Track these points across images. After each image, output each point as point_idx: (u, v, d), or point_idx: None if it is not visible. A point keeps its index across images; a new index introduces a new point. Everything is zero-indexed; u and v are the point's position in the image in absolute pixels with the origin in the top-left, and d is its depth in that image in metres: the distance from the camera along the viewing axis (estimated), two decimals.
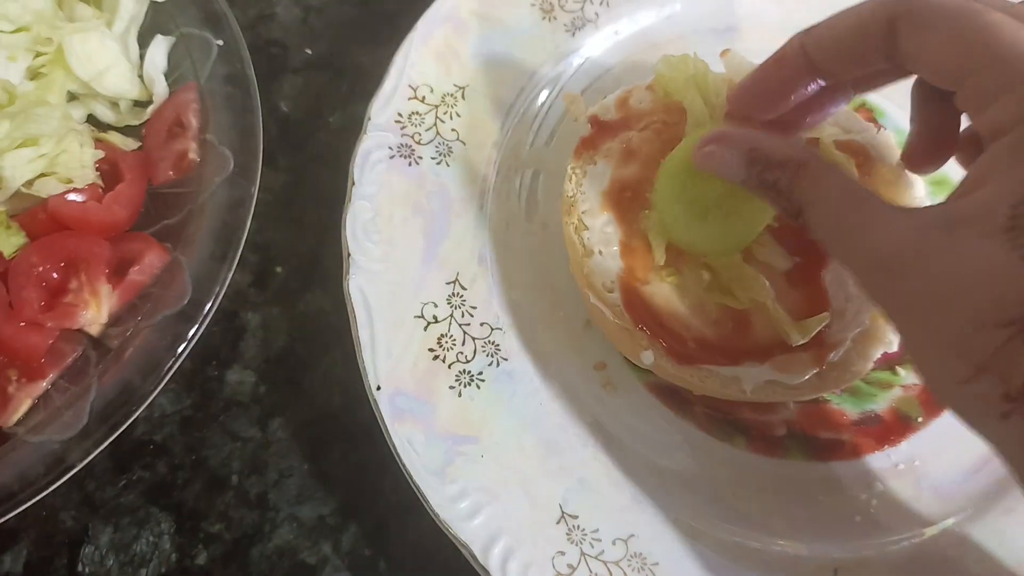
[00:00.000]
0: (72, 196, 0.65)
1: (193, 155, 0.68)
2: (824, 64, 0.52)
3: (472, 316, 0.66)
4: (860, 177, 0.67)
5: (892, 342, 0.67)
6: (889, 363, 0.71)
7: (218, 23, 0.72)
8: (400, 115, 0.71)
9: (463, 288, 0.67)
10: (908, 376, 0.71)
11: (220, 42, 0.71)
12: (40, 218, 0.64)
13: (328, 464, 0.66)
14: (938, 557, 0.64)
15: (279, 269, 0.72)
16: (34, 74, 0.69)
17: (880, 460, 0.68)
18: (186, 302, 0.62)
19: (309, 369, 0.68)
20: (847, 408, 0.70)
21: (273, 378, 0.68)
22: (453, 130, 0.72)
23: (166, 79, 0.72)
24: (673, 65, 0.69)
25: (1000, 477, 0.67)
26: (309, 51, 0.81)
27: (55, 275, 0.63)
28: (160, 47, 0.72)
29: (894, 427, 0.69)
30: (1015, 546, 0.64)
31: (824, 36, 0.51)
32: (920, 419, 0.70)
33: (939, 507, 0.66)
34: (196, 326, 0.62)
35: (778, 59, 0.55)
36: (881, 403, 0.70)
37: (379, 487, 0.64)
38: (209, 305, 0.63)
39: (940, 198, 0.78)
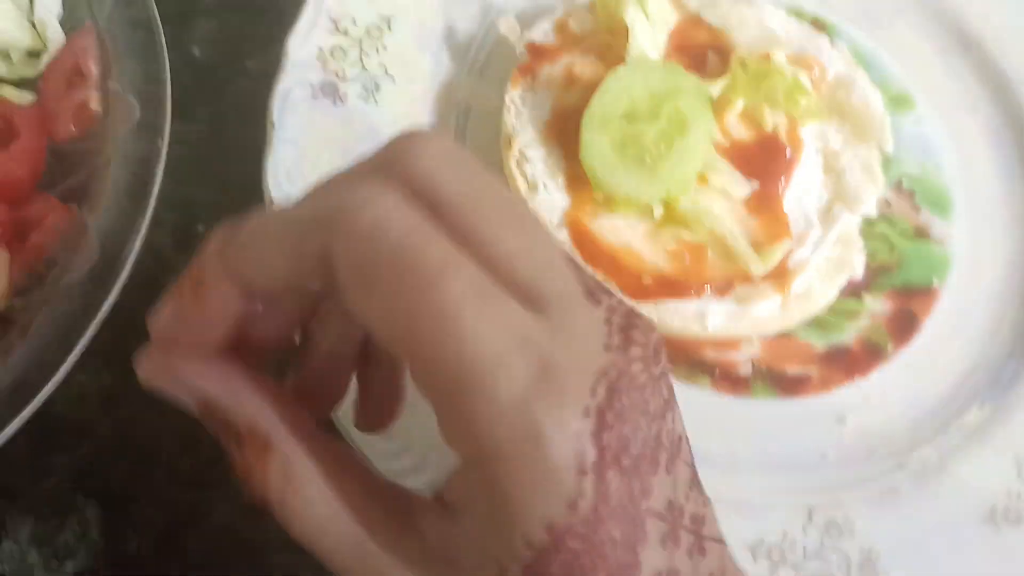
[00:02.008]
0: None
1: (95, 106, 0.62)
2: (261, 293, 0.35)
3: None
4: (814, 89, 0.64)
5: (857, 267, 0.64)
6: (855, 291, 0.68)
7: None
8: (321, 50, 0.65)
9: None
10: (875, 303, 0.68)
11: None
12: None
13: None
14: (916, 489, 0.61)
15: (201, 228, 0.66)
16: None
17: (851, 392, 0.65)
18: (93, 265, 0.57)
19: None
20: (814, 340, 0.66)
21: None
22: (380, 64, 0.66)
23: (61, 25, 0.66)
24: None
25: (972, 401, 0.65)
26: None
27: None
28: None
29: (863, 357, 0.66)
30: (992, 470, 0.61)
31: (250, 264, 0.34)
32: (890, 347, 0.67)
33: (914, 436, 0.63)
34: (109, 291, 0.56)
35: (196, 285, 0.36)
36: (849, 333, 0.67)
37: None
38: (120, 271, 0.57)
39: (901, 115, 0.75)
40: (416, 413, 0.57)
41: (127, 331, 0.64)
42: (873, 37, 0.76)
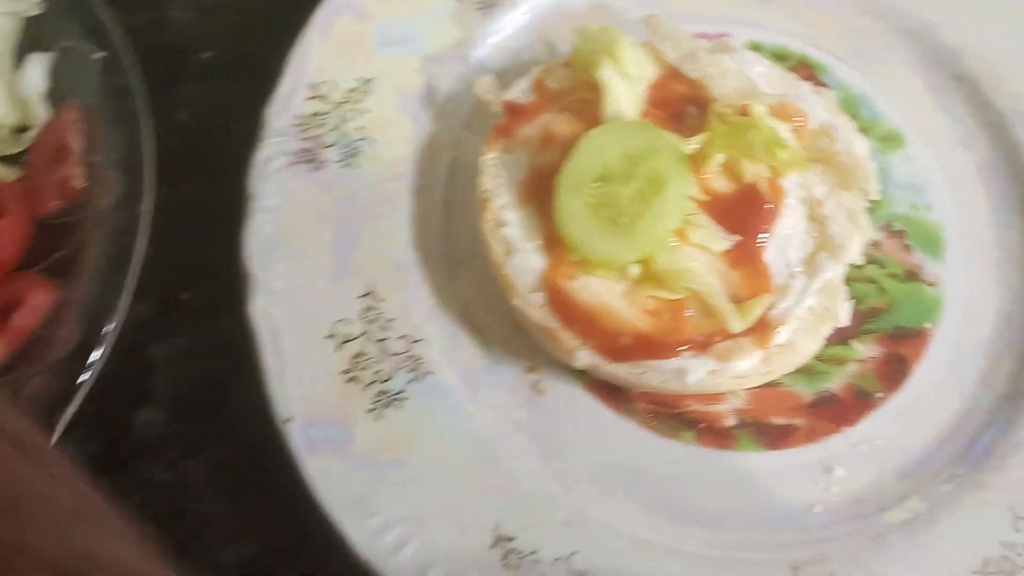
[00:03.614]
0: None
1: (78, 180, 0.63)
2: None
3: (390, 330, 0.62)
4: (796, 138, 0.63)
5: (843, 317, 0.63)
6: (842, 337, 0.67)
7: (100, 34, 0.67)
8: (299, 118, 0.66)
9: (379, 300, 0.63)
10: (864, 349, 0.67)
11: (102, 54, 0.66)
12: None
13: (251, 504, 0.61)
14: (906, 542, 0.60)
15: (185, 296, 0.67)
16: None
17: (839, 443, 0.64)
18: (77, 343, 0.58)
19: (224, 402, 0.64)
20: (800, 389, 0.66)
21: (186, 415, 0.64)
22: (359, 128, 0.67)
23: (48, 100, 0.67)
24: (589, 37, 0.64)
25: (966, 448, 0.63)
26: (208, 55, 0.75)
27: None
28: (37, 66, 0.67)
29: (851, 405, 0.65)
30: (984, 524, 0.60)
31: None
32: (879, 394, 0.66)
33: (903, 486, 0.62)
34: (89, 368, 0.57)
35: None
36: (836, 381, 0.66)
37: (308, 526, 0.60)
38: (103, 344, 0.58)
39: (892, 153, 0.74)
40: (403, 489, 0.58)
41: (110, 401, 0.65)
42: (865, 74, 0.75)
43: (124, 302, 0.60)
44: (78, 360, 0.58)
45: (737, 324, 0.59)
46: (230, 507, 0.61)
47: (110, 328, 0.59)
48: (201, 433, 0.63)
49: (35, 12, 0.68)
